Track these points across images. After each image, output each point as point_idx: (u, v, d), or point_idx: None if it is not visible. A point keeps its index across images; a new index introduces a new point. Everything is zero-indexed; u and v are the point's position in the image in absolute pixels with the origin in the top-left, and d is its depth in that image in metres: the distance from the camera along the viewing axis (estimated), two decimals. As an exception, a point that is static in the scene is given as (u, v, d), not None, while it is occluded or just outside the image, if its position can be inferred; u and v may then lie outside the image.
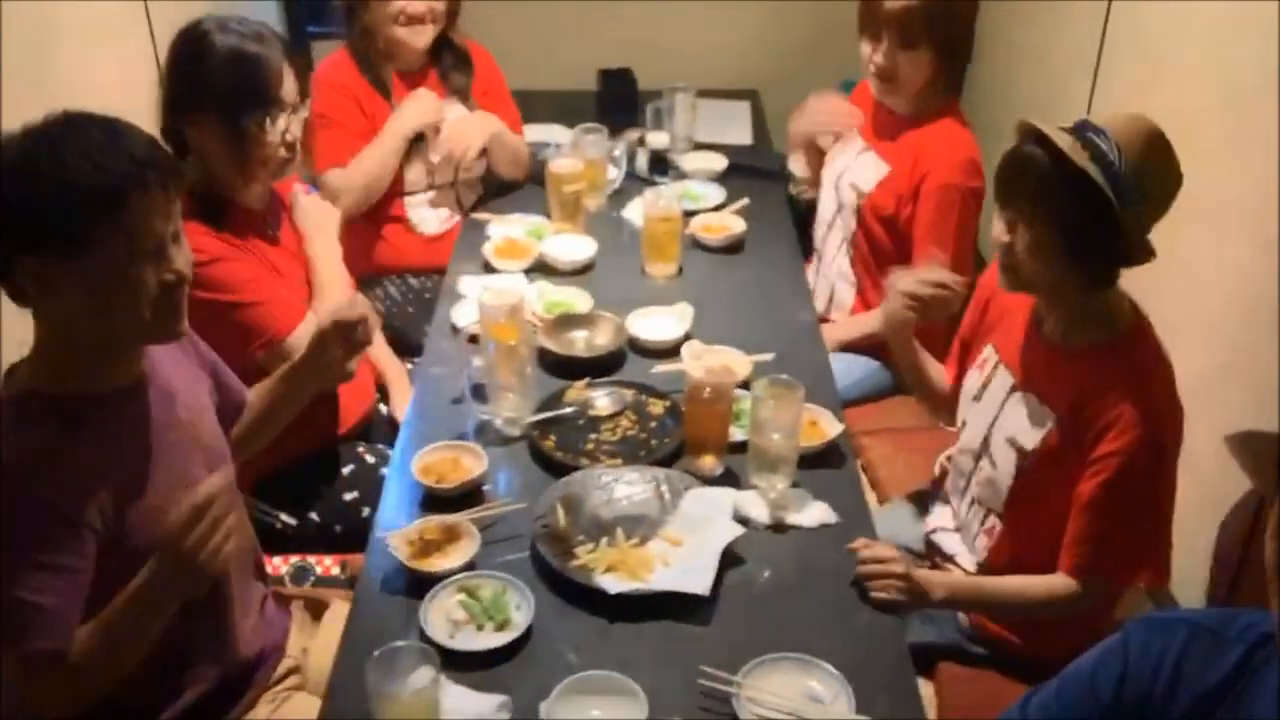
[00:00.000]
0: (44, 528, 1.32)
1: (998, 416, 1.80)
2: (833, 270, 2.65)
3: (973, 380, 1.89)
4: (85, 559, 1.35)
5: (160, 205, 1.37)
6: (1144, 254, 1.60)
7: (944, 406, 2.02)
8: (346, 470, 2.13)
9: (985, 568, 1.85)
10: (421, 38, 2.64)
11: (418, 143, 2.71)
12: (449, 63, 2.76)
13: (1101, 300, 1.67)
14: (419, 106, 2.63)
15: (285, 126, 1.95)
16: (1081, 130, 1.57)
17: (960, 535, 1.92)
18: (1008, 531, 1.81)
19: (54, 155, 1.31)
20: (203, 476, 1.51)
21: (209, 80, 1.87)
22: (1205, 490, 2.11)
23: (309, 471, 2.12)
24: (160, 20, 2.56)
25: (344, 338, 1.68)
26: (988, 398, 1.84)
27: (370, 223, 2.72)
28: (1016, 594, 1.73)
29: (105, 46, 2.36)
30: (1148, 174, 1.56)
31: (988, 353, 1.87)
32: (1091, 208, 1.54)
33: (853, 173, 2.56)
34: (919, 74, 2.37)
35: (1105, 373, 1.64)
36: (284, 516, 2.06)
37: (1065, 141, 1.55)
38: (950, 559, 1.91)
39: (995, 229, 1.69)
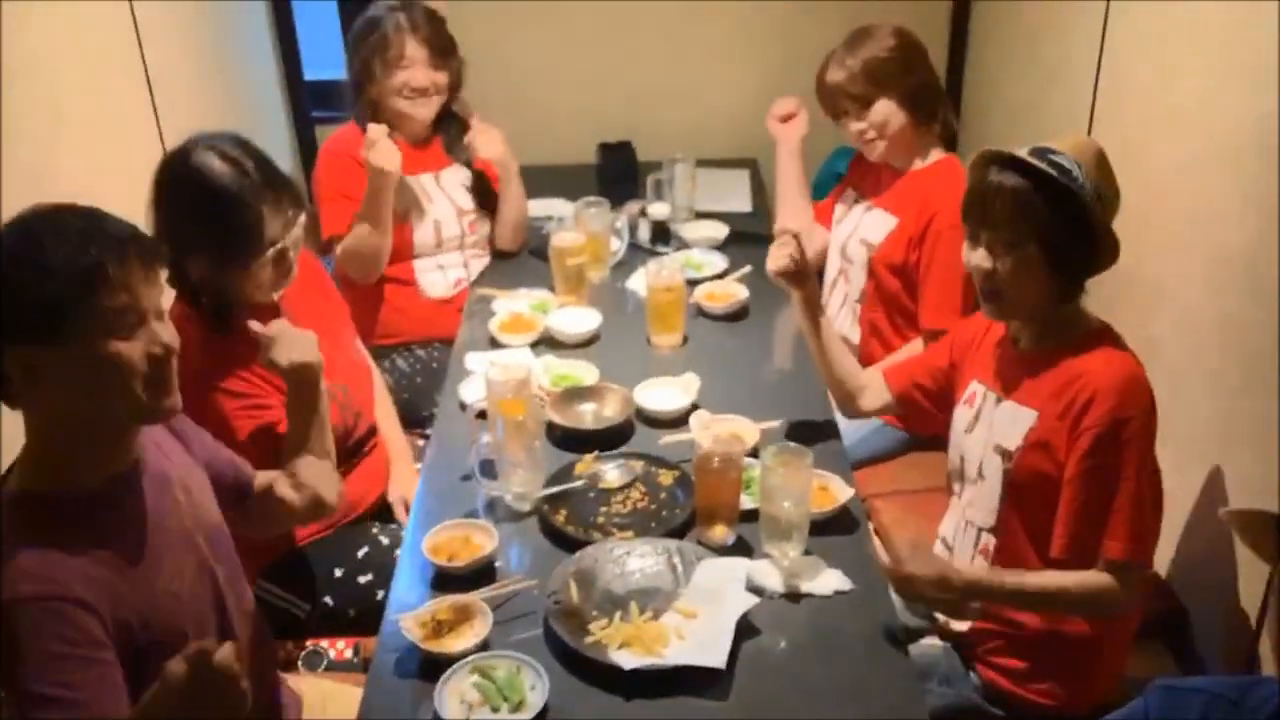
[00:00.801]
0: (55, 625, 1.30)
1: (988, 435, 1.86)
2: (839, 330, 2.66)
3: (961, 416, 1.94)
4: (104, 648, 1.33)
5: (140, 278, 1.36)
6: (1113, 252, 1.72)
7: (843, 392, 2.12)
8: (361, 553, 2.12)
9: None
10: (425, 109, 2.76)
11: (425, 207, 2.78)
12: (452, 132, 2.85)
13: (1071, 311, 1.78)
14: (381, 154, 2.58)
15: (277, 254, 1.92)
16: (1042, 154, 1.69)
17: (957, 565, 1.91)
18: (1001, 544, 1.84)
19: (32, 241, 1.33)
20: (203, 557, 1.53)
21: (191, 232, 1.85)
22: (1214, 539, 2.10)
23: (322, 555, 2.11)
24: (167, 115, 2.61)
25: None
26: (980, 426, 1.88)
27: (377, 286, 2.76)
28: (1054, 589, 1.74)
29: (112, 143, 2.41)
30: (1103, 184, 1.72)
31: (974, 387, 1.92)
32: (1069, 220, 1.67)
33: (861, 231, 2.60)
34: (894, 121, 2.46)
35: (1078, 364, 1.73)
36: (298, 602, 2.05)
37: (1037, 162, 1.67)
38: None
39: (975, 258, 1.77)
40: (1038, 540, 1.78)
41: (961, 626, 1.91)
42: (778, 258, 2.02)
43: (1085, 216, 1.67)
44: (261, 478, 1.78)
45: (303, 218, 1.98)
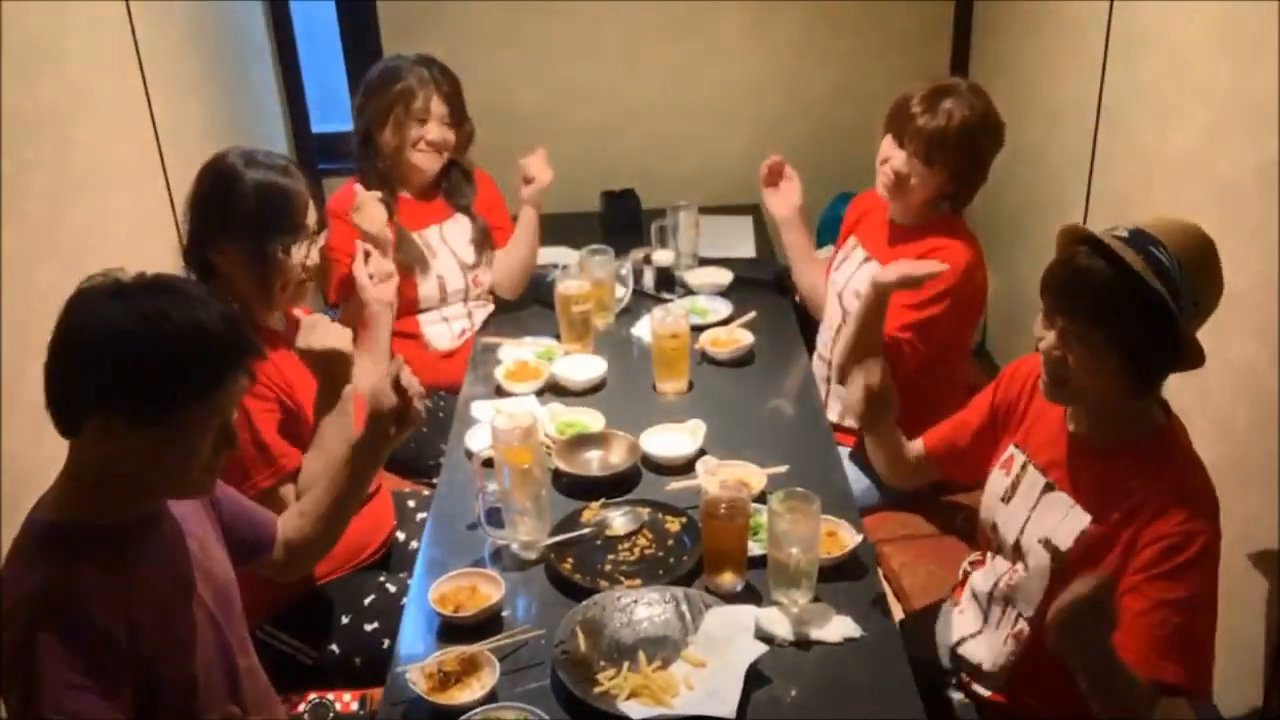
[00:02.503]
0: (77, 651, 1.30)
1: (1029, 517, 1.78)
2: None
3: (998, 481, 1.86)
4: (122, 684, 1.33)
5: (243, 387, 1.42)
6: (1196, 360, 1.57)
7: (900, 468, 2.04)
8: (367, 600, 2.11)
9: (1008, 674, 1.81)
10: (435, 164, 2.80)
11: (429, 262, 2.81)
12: (454, 181, 2.89)
13: (1139, 403, 1.66)
14: (367, 217, 2.55)
15: (306, 253, 2.03)
16: (1139, 242, 1.53)
17: (983, 638, 1.88)
18: (1036, 637, 1.77)
19: (174, 326, 1.32)
20: (211, 609, 1.52)
21: (240, 210, 1.94)
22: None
23: (329, 602, 2.10)
24: (176, 170, 2.64)
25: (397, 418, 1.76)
26: (1018, 499, 1.81)
27: None
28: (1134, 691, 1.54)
29: (120, 192, 2.43)
30: (1202, 285, 1.55)
31: (1012, 451, 1.85)
32: (1153, 323, 1.52)
33: (855, 282, 2.58)
34: (927, 190, 2.40)
35: (1141, 466, 1.62)
36: (304, 649, 2.03)
37: (1129, 255, 1.52)
38: (976, 669, 1.87)
39: (1045, 341, 1.64)
40: None
41: (984, 691, 1.87)
42: (856, 390, 1.86)
43: (1173, 325, 1.52)
44: (281, 528, 1.79)
45: (322, 241, 2.08)
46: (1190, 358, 1.56)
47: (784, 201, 2.73)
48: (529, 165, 2.84)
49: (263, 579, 1.80)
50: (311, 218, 2.03)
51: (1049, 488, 1.75)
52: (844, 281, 2.62)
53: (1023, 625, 1.79)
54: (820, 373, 2.73)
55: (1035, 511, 1.77)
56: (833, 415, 2.64)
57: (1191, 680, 1.55)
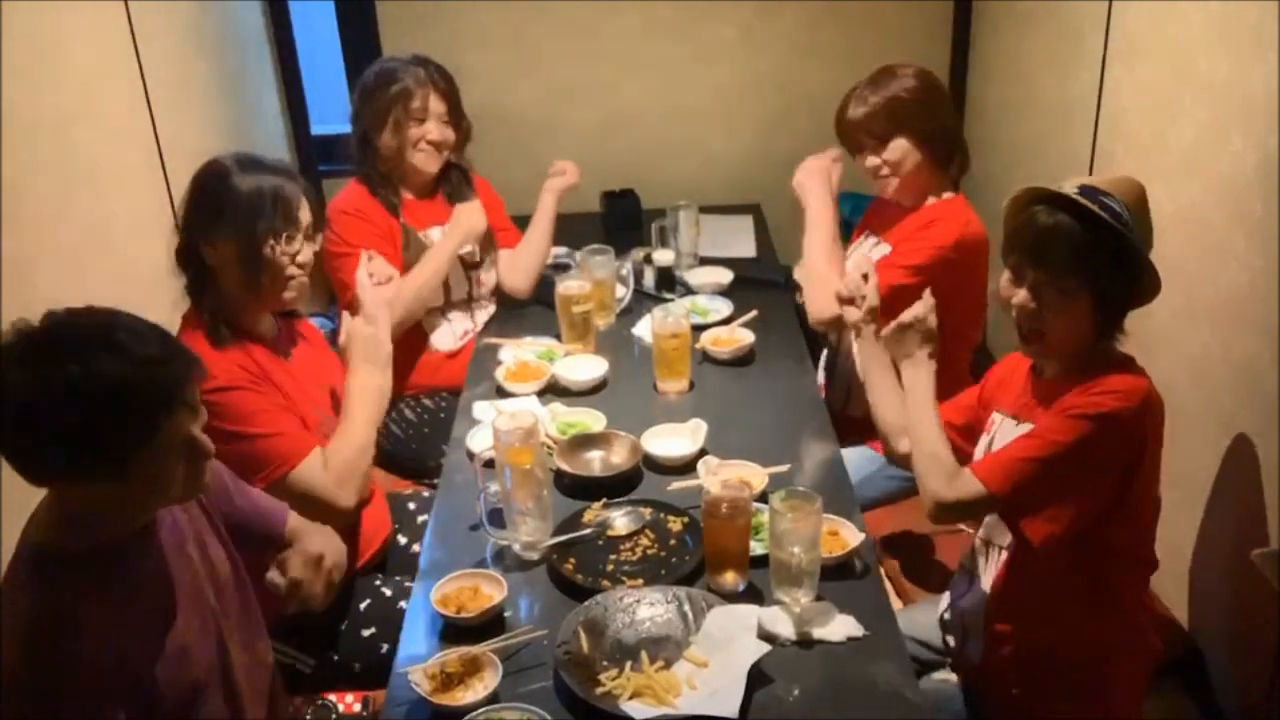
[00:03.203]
0: (75, 687, 1.30)
1: None
2: (851, 363, 2.63)
3: (980, 447, 1.93)
4: (113, 705, 1.33)
5: (190, 405, 1.39)
6: (1155, 287, 1.71)
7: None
8: (364, 605, 2.11)
9: (990, 601, 1.86)
10: (436, 164, 2.79)
11: None
12: (454, 182, 2.89)
13: (1105, 347, 1.77)
14: (469, 220, 2.76)
15: (298, 249, 2.02)
16: (1092, 195, 1.67)
17: (974, 591, 1.92)
18: (1011, 558, 1.83)
19: (106, 382, 1.29)
20: (212, 611, 1.53)
21: (232, 201, 1.94)
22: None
23: (326, 610, 2.09)
24: (176, 173, 2.64)
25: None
26: (994, 448, 1.87)
27: None
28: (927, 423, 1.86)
29: (120, 194, 2.43)
30: (1144, 225, 1.72)
31: (994, 417, 1.92)
32: (1122, 265, 1.67)
33: (862, 265, 2.57)
34: (908, 161, 2.45)
35: (1093, 379, 1.72)
36: (302, 658, 2.03)
37: (1090, 206, 1.65)
38: (967, 626, 1.91)
39: (1018, 297, 1.75)
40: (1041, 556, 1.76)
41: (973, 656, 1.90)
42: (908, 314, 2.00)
43: (1136, 261, 1.67)
44: (291, 520, 1.81)
45: (316, 245, 2.08)
46: (1151, 286, 1.71)
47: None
48: (565, 163, 2.91)
49: (256, 587, 1.78)
50: (305, 216, 2.02)
51: (1015, 424, 1.84)
52: (852, 265, 2.62)
53: (1001, 555, 1.85)
54: (825, 364, 2.72)
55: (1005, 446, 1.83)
56: (835, 406, 2.64)
57: (1005, 482, 1.72)
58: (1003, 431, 1.87)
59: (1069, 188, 1.69)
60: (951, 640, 1.97)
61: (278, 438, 1.96)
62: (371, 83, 2.74)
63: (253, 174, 1.97)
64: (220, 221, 1.95)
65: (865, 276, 2.10)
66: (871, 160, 2.49)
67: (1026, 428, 1.80)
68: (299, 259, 2.02)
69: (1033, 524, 1.72)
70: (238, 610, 1.61)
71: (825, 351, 2.77)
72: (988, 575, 1.89)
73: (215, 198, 1.96)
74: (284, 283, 2.02)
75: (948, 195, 2.52)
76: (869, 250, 2.64)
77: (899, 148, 2.44)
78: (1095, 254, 1.66)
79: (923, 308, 1.99)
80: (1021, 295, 1.74)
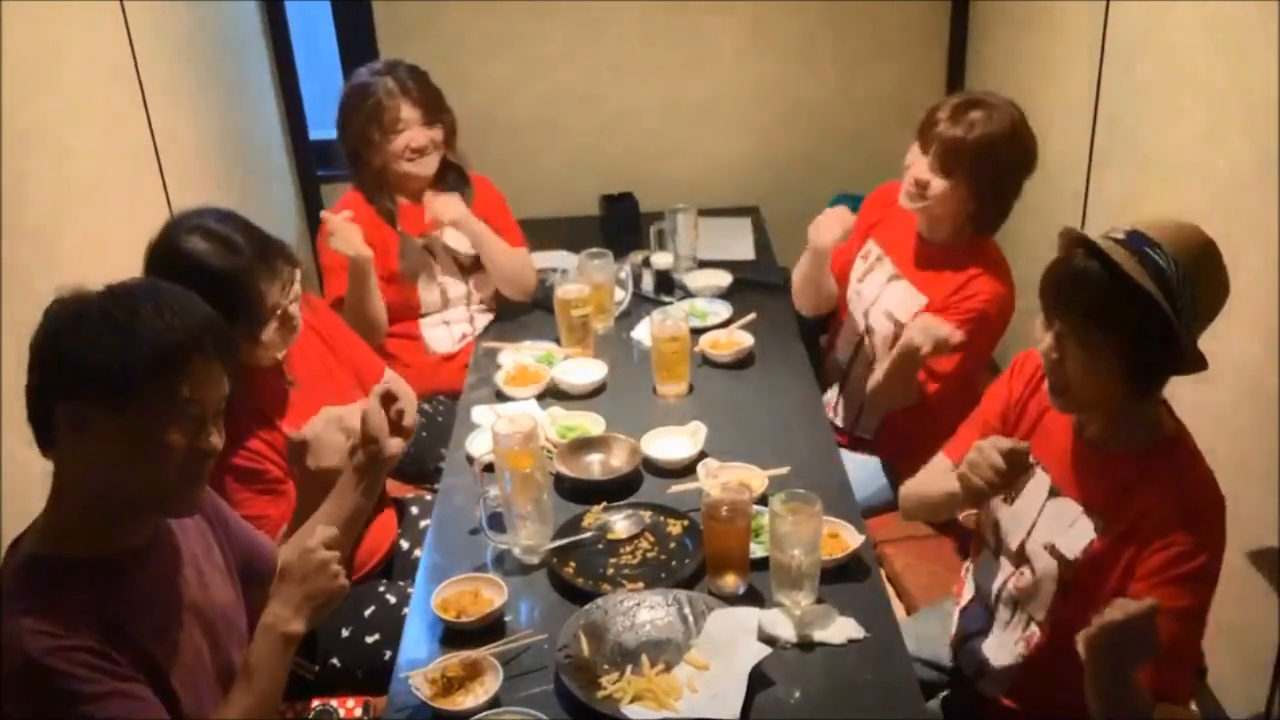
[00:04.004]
0: (87, 668, 1.29)
1: (1036, 522, 1.76)
2: (863, 386, 2.55)
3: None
4: (136, 680, 1.34)
5: (214, 375, 1.40)
6: (1197, 364, 1.55)
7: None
8: (368, 612, 2.10)
9: (1016, 676, 1.81)
10: (428, 167, 2.79)
11: (431, 267, 2.82)
12: (450, 183, 2.87)
13: (1144, 408, 1.64)
14: (343, 241, 2.60)
15: (278, 321, 1.95)
16: (1135, 243, 1.51)
17: (992, 639, 1.87)
18: (1046, 642, 1.76)
19: (128, 307, 1.35)
20: (209, 636, 1.51)
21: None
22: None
23: (330, 616, 2.09)
24: (174, 180, 2.64)
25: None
26: (1022, 501, 1.79)
27: (382, 342, 2.77)
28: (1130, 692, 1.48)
29: (119, 200, 2.43)
30: (1201, 287, 1.52)
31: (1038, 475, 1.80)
32: (1149, 325, 1.50)
33: (884, 302, 2.51)
34: (947, 204, 2.34)
35: (1147, 474, 1.61)
36: (305, 663, 2.03)
37: (1121, 256, 1.50)
38: (981, 666, 1.87)
39: (1042, 344, 1.63)
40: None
41: (989, 692, 1.86)
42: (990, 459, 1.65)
43: (1168, 328, 1.49)
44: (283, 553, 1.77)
45: (299, 272, 2.01)
46: (1190, 362, 1.54)
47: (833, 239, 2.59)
48: (432, 209, 2.78)
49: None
50: (273, 291, 1.92)
51: (1054, 493, 1.74)
52: (872, 297, 2.55)
53: (1034, 629, 1.78)
54: (834, 376, 2.71)
55: (1041, 516, 1.75)
56: (840, 420, 2.64)
57: (1173, 691, 1.54)
58: (1037, 492, 1.75)
59: (1118, 232, 1.54)
60: (964, 668, 1.92)
61: (261, 520, 1.92)
62: (345, 101, 2.75)
63: (203, 268, 1.84)
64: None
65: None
66: (919, 173, 2.34)
67: (1073, 507, 1.69)
68: (283, 324, 1.96)
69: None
70: (240, 639, 1.59)
71: (833, 382, 2.74)
72: (1013, 635, 1.81)
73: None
74: (276, 345, 1.98)
75: (981, 237, 2.42)
76: (884, 283, 2.53)
77: (952, 190, 2.31)
78: (1122, 311, 1.50)
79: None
80: (1046, 342, 1.62)
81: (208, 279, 1.76)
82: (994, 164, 2.27)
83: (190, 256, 1.85)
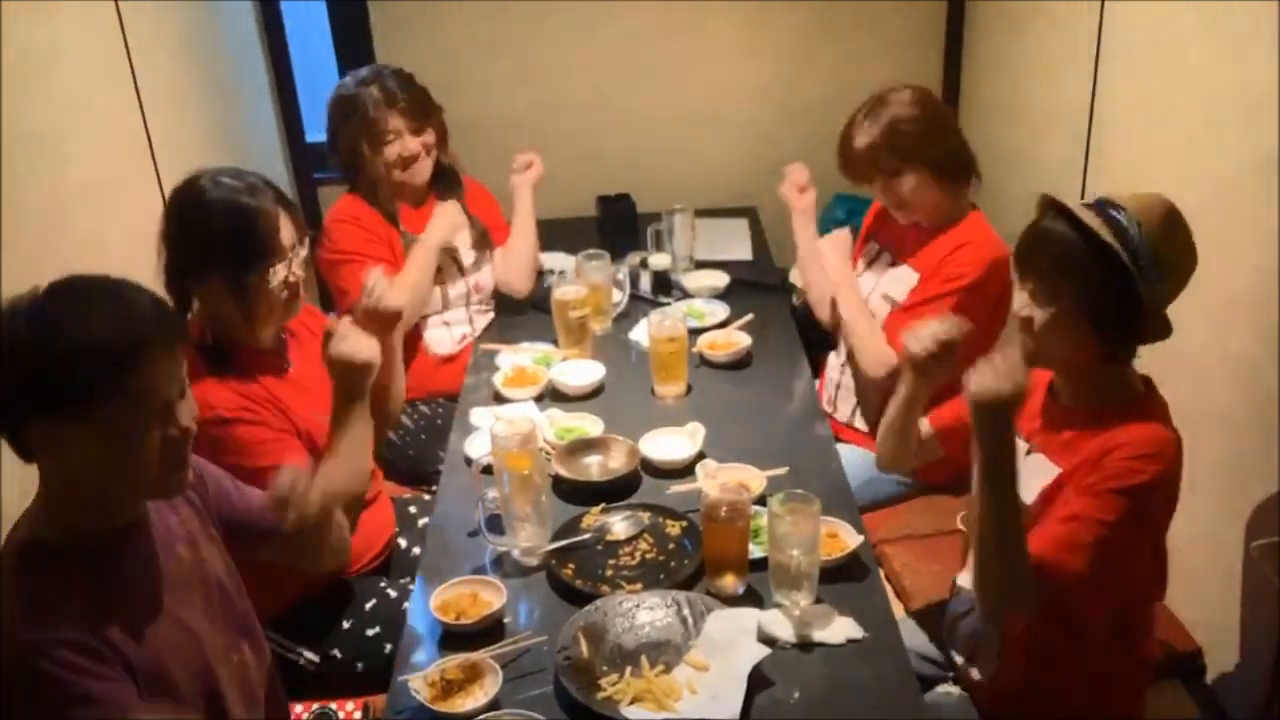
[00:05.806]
0: (70, 667, 1.30)
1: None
2: (860, 378, 2.59)
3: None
4: (125, 689, 1.33)
5: (167, 366, 1.39)
6: (1162, 329, 1.63)
7: (907, 444, 2.01)
8: (369, 605, 2.10)
9: (1003, 638, 1.82)
10: (421, 174, 2.78)
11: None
12: (444, 182, 2.88)
13: (1117, 374, 1.70)
14: (446, 218, 2.75)
15: (286, 274, 1.97)
16: (1101, 206, 1.61)
17: (975, 616, 1.88)
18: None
19: (68, 315, 1.34)
20: (203, 612, 1.52)
21: (209, 245, 1.90)
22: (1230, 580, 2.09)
23: (330, 606, 2.10)
24: (171, 182, 2.63)
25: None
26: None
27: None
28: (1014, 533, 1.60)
29: (116, 205, 2.43)
30: (1166, 249, 1.60)
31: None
32: (1113, 281, 1.57)
33: (883, 287, 2.54)
34: (925, 190, 2.39)
35: (1103, 417, 1.66)
36: (306, 653, 2.03)
37: (1087, 215, 1.59)
38: (969, 643, 1.89)
39: (1017, 302, 1.70)
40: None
41: (977, 674, 1.88)
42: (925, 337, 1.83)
43: (1132, 285, 1.57)
44: None
45: (306, 246, 2.02)
46: (1156, 327, 1.62)
47: (809, 199, 2.71)
48: (528, 155, 2.92)
49: (263, 582, 1.78)
50: (286, 234, 1.96)
51: (1029, 452, 1.78)
52: (871, 286, 2.59)
53: None
54: (833, 375, 2.71)
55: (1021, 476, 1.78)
56: (842, 416, 2.64)
57: (1058, 573, 1.59)
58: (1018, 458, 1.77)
59: (1089, 200, 1.63)
60: (956, 656, 1.95)
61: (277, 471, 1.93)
62: (332, 114, 2.74)
63: (223, 199, 1.91)
64: (201, 263, 1.92)
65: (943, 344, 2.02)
66: (883, 196, 2.45)
67: (1038, 459, 1.74)
68: (290, 279, 1.98)
69: (1089, 602, 1.67)
70: (230, 610, 1.60)
71: (831, 364, 2.74)
72: None
73: (191, 237, 1.92)
74: (279, 305, 1.99)
75: (968, 212, 2.46)
76: (883, 271, 2.58)
77: (911, 181, 2.38)
78: (1085, 265, 1.58)
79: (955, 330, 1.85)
80: (1019, 300, 1.69)
81: (228, 207, 1.90)
82: (912, 135, 2.35)
83: (216, 186, 1.92)
